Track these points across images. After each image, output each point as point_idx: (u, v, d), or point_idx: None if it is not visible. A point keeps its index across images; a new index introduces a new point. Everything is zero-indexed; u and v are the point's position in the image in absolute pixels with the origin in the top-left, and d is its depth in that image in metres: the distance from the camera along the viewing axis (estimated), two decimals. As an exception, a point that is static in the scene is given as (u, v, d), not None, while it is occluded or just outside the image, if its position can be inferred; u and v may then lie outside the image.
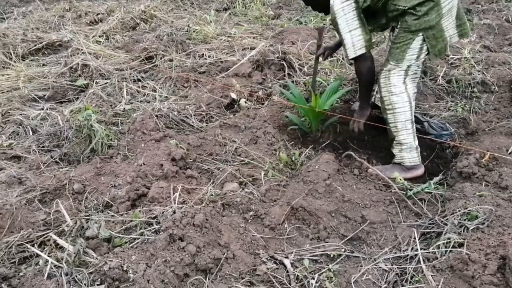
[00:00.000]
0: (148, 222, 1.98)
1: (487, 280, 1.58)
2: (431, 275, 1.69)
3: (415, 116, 2.64)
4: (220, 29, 4.72)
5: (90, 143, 2.66)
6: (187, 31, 4.60)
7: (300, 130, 2.88)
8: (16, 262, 1.79)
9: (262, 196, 2.19)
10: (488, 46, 4.02)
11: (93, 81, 3.59)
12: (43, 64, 4.05)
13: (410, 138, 2.40)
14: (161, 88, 3.51)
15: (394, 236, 2.04)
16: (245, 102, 3.22)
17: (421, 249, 1.87)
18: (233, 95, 3.25)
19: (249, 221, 2.06)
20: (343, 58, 3.85)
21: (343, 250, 1.93)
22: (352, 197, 2.19)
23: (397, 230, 2.06)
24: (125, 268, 1.64)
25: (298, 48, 3.96)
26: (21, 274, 1.70)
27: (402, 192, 2.27)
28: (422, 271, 1.73)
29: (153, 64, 3.92)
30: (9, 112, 3.14)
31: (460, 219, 1.92)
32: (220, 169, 2.46)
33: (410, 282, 1.72)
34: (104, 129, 2.70)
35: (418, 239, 1.94)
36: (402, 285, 1.73)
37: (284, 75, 3.56)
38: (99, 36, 4.76)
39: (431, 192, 2.28)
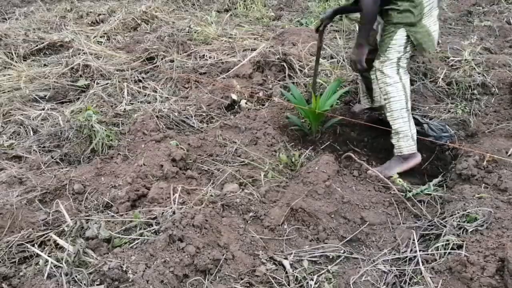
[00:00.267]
0: (147, 222, 1.98)
1: (486, 282, 1.59)
2: (430, 277, 1.69)
3: (415, 118, 2.65)
4: (221, 30, 4.73)
5: (90, 144, 2.66)
6: (188, 32, 4.61)
7: (300, 131, 2.89)
8: (16, 261, 1.79)
9: (261, 197, 2.20)
10: (489, 48, 4.02)
11: (94, 82, 3.60)
12: (44, 65, 4.06)
13: (406, 127, 2.46)
14: (161, 88, 3.52)
15: (393, 237, 2.04)
16: (246, 103, 3.22)
17: (420, 250, 1.87)
18: (234, 96, 3.25)
19: (248, 222, 2.06)
20: (343, 60, 3.86)
21: (342, 251, 1.93)
22: (351, 199, 2.20)
23: (396, 232, 2.07)
24: (124, 269, 1.65)
25: (298, 49, 3.97)
26: (21, 273, 1.71)
27: (402, 193, 2.28)
28: (421, 273, 1.73)
29: (154, 64, 3.93)
30: (10, 112, 3.15)
31: (459, 221, 1.93)
32: (220, 170, 2.46)
33: (409, 283, 1.72)
34: (105, 130, 2.71)
35: (417, 241, 1.94)
36: (401, 287, 1.73)
37: (285, 76, 3.57)
38: (100, 37, 4.77)
39: (430, 194, 2.29)
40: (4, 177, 2.35)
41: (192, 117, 3.09)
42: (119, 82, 3.55)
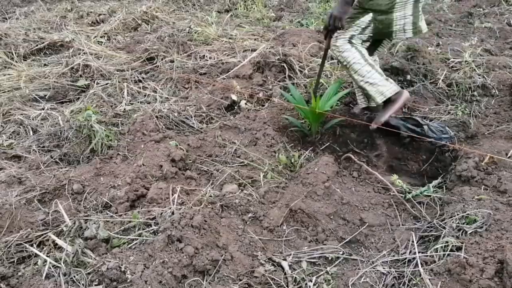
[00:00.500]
0: (146, 223, 1.98)
1: (485, 284, 1.58)
2: (429, 279, 1.69)
3: (415, 119, 2.65)
4: (222, 31, 4.73)
5: (90, 144, 2.66)
6: (188, 32, 4.61)
7: (300, 132, 2.88)
8: (15, 261, 1.79)
9: (261, 198, 2.20)
10: (489, 50, 4.02)
11: (94, 82, 3.60)
12: (45, 64, 4.06)
13: (376, 75, 2.55)
14: (161, 89, 3.52)
15: (392, 239, 2.04)
16: (246, 103, 3.22)
17: (419, 252, 1.87)
18: (234, 97, 3.25)
19: (247, 222, 2.06)
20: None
21: (341, 252, 1.93)
22: (351, 200, 2.20)
23: (395, 233, 2.06)
24: (123, 269, 1.65)
25: (299, 50, 3.97)
26: (19, 273, 1.71)
27: (401, 195, 2.28)
28: (420, 275, 1.73)
29: (154, 65, 3.93)
30: (10, 112, 3.15)
31: (458, 223, 1.92)
32: (219, 171, 2.46)
33: (407, 285, 1.72)
34: (104, 130, 2.70)
35: (416, 242, 1.94)
36: (400, 288, 1.73)
37: (285, 77, 3.57)
38: (101, 37, 4.77)
39: (430, 195, 2.28)
40: (3, 177, 2.35)
41: (191, 117, 3.09)
42: (119, 82, 3.55)
